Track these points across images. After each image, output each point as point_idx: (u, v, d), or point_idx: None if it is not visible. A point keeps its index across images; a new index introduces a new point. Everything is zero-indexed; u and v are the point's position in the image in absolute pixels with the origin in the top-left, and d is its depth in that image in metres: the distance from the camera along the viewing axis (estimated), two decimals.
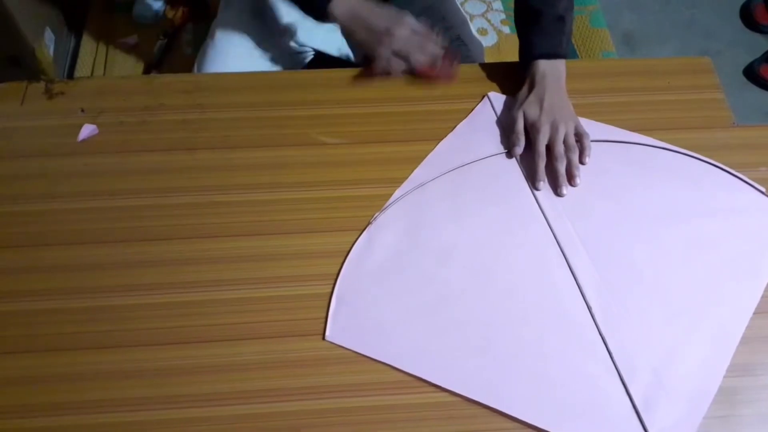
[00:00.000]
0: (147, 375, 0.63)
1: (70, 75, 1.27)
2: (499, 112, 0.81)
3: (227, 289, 0.68)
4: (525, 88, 0.80)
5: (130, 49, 1.26)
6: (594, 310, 0.66)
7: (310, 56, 1.02)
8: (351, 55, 1.02)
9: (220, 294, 0.68)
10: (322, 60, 1.04)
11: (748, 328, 0.65)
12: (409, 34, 0.80)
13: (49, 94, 0.83)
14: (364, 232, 0.71)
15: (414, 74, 0.83)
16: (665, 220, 0.73)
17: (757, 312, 0.66)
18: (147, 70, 1.23)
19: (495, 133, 0.80)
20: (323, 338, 0.65)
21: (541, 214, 0.73)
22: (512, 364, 0.63)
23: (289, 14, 0.98)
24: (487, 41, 1.34)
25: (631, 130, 0.80)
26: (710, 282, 0.69)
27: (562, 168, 0.74)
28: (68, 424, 0.60)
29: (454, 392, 0.61)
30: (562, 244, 0.71)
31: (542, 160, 0.75)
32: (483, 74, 0.85)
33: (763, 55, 1.64)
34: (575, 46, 1.24)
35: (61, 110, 0.81)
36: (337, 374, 0.63)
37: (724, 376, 0.62)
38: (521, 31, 0.83)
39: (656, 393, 0.61)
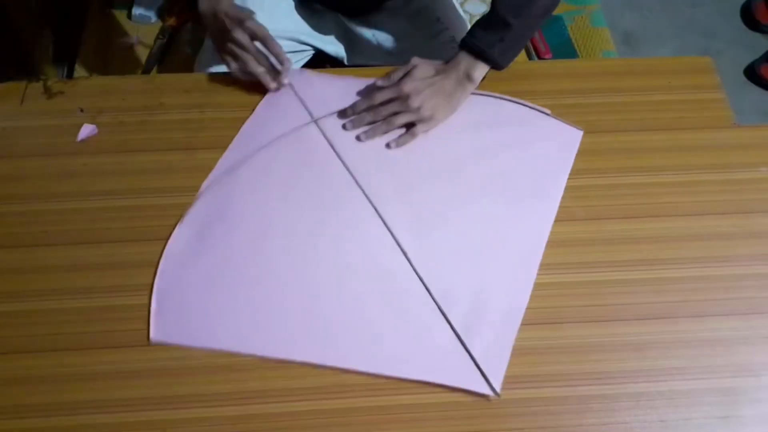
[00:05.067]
0: (147, 375, 0.63)
1: (70, 74, 1.26)
2: (294, 84, 0.82)
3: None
4: (440, 62, 0.78)
5: (129, 49, 1.25)
6: (409, 255, 0.69)
7: (308, 55, 1.02)
8: (344, 56, 1.02)
9: None
10: (320, 59, 1.04)
11: (748, 328, 0.65)
12: (245, 40, 0.77)
13: (49, 94, 0.82)
14: (177, 226, 0.71)
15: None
16: (463, 161, 0.76)
17: (758, 312, 0.66)
18: (146, 70, 1.23)
19: (294, 107, 0.80)
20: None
21: (351, 177, 0.74)
22: (342, 320, 0.65)
23: (290, 13, 0.97)
24: None
25: (631, 130, 0.80)
26: (507, 211, 0.73)
27: (376, 120, 0.77)
28: (67, 425, 0.60)
29: (292, 360, 0.62)
30: (373, 200, 0.73)
31: (370, 112, 0.76)
32: None
33: (764, 54, 1.64)
34: (576, 46, 1.23)
35: (61, 110, 0.81)
36: (336, 375, 0.62)
37: (726, 377, 0.62)
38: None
39: (473, 319, 0.65)
